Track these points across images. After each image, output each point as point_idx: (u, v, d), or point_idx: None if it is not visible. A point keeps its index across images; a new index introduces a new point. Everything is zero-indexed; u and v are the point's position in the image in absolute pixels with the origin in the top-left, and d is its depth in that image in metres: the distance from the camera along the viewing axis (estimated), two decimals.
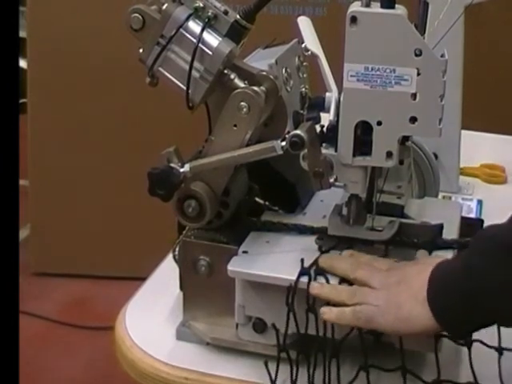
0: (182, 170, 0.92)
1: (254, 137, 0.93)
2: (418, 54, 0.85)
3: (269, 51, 1.04)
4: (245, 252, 0.93)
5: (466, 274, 0.78)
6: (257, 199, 1.03)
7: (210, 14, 0.91)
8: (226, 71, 0.92)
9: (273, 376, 0.90)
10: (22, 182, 1.76)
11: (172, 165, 0.92)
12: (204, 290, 0.97)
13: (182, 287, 1.00)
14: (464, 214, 1.08)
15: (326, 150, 0.90)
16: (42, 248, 2.64)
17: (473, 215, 1.34)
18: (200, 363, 0.96)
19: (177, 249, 0.99)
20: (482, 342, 0.85)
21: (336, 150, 0.90)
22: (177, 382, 0.95)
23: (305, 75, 1.07)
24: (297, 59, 1.06)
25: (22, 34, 2.44)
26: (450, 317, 0.80)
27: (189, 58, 0.91)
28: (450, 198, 1.38)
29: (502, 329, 0.82)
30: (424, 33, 1.27)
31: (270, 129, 0.97)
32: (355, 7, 0.86)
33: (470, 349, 0.84)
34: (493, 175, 1.52)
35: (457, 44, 1.32)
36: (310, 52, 1.01)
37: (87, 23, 2.43)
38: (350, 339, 0.87)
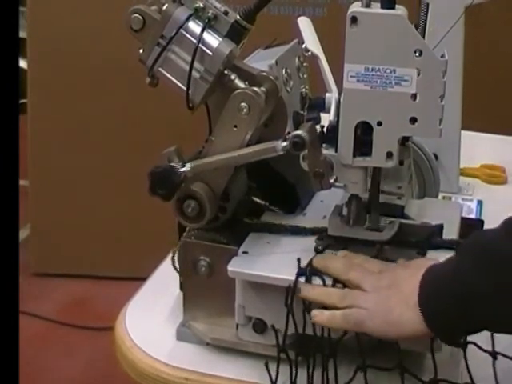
0: (182, 169, 0.92)
1: (254, 137, 0.93)
2: (418, 54, 0.85)
3: (269, 52, 1.04)
4: (245, 252, 0.93)
5: (457, 279, 0.78)
6: (257, 200, 1.03)
7: (210, 14, 0.91)
8: (226, 72, 0.92)
9: (273, 377, 0.89)
10: (22, 182, 1.75)
11: (173, 164, 0.92)
12: (204, 291, 0.97)
13: (182, 287, 1.00)
14: (464, 215, 1.08)
15: (326, 151, 0.90)
16: (42, 248, 2.64)
17: (473, 216, 1.34)
18: (200, 363, 0.96)
19: (176, 254, 0.99)
20: (476, 345, 0.84)
21: (336, 151, 0.90)
22: (177, 383, 0.95)
23: (305, 76, 1.07)
24: (297, 60, 1.06)
25: (22, 34, 2.44)
26: (440, 322, 0.79)
27: (189, 59, 0.91)
28: (450, 198, 1.38)
29: None
30: (424, 33, 1.27)
31: (270, 129, 0.96)
32: (355, 7, 0.86)
33: (464, 350, 0.83)
34: (493, 176, 1.51)
35: (457, 44, 1.32)
36: (310, 52, 1.01)
37: (87, 23, 2.43)
38: (347, 339, 0.87)
